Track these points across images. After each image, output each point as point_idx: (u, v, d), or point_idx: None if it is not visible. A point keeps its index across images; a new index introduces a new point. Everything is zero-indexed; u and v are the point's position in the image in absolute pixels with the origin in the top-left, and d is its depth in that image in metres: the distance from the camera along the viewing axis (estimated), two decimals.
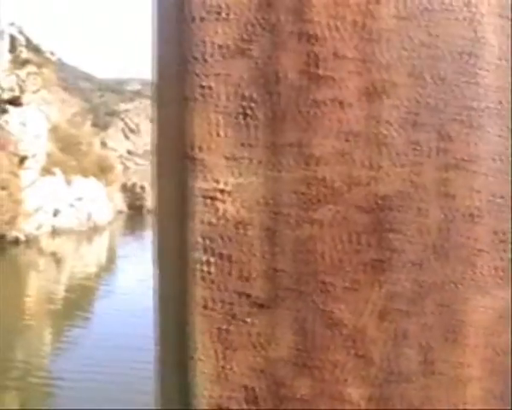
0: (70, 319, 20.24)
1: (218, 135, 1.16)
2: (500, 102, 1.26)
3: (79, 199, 38.28)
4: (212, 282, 1.16)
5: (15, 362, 16.05)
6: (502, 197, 1.26)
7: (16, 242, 32.80)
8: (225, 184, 1.17)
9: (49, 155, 37.55)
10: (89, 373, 14.54)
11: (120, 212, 44.09)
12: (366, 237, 1.20)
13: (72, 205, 37.83)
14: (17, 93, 38.16)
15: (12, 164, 34.12)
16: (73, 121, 45.06)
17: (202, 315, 1.16)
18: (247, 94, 1.17)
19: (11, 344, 17.22)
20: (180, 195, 1.20)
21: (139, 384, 13.48)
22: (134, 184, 47.30)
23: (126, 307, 20.94)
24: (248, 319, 1.17)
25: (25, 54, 40.64)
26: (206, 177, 1.16)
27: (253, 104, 1.17)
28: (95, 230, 38.04)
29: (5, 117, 36.30)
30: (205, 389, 1.17)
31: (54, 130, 39.47)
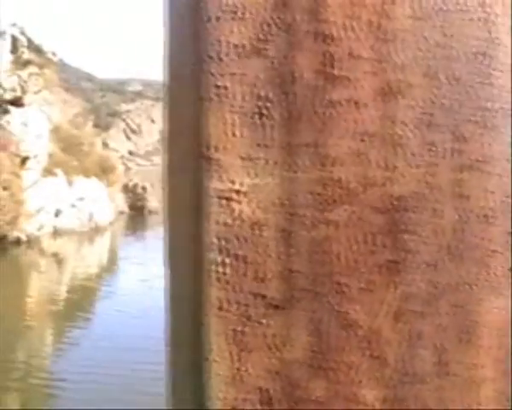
0: (71, 320, 20.24)
1: (234, 135, 1.16)
2: None
3: (81, 199, 38.26)
4: (228, 283, 1.16)
5: (16, 363, 16.04)
6: None
7: (18, 242, 32.78)
8: (241, 184, 1.16)
9: (50, 156, 37.53)
10: (90, 374, 14.53)
11: (122, 212, 44.04)
12: (381, 238, 1.19)
13: (73, 205, 37.81)
14: (19, 94, 38.16)
15: (14, 164, 34.11)
16: (75, 122, 45.06)
17: (217, 316, 1.16)
18: (262, 94, 1.16)
19: (12, 345, 17.21)
20: (194, 195, 1.20)
21: (139, 385, 13.49)
22: (135, 185, 47.24)
23: (127, 307, 20.93)
24: (264, 321, 1.16)
25: (26, 54, 40.64)
26: (222, 177, 1.16)
27: (268, 104, 1.16)
28: (96, 230, 38.01)
29: (7, 117, 36.29)
30: (220, 390, 1.16)
31: (55, 130, 39.46)
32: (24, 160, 35.20)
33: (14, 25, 41.59)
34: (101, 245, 36.43)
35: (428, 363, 1.22)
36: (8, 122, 36.10)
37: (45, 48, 43.29)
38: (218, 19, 1.15)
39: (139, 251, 32.16)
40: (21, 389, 14.63)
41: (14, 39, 40.67)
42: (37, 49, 42.19)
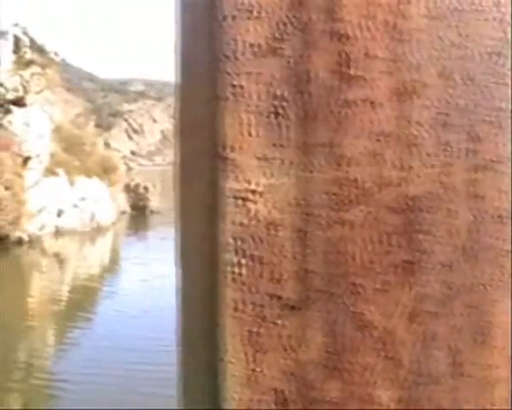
0: (73, 320, 20.24)
1: (250, 135, 1.15)
2: None
3: (83, 199, 38.28)
4: (243, 284, 1.15)
5: (18, 363, 16.05)
6: None
7: (19, 242, 32.80)
8: (257, 184, 1.16)
9: (52, 156, 37.55)
10: (90, 375, 14.54)
11: (123, 212, 44.07)
12: (396, 238, 1.19)
13: (75, 205, 37.84)
14: (21, 94, 38.19)
15: (15, 164, 34.14)
16: (77, 122, 45.06)
17: (233, 317, 1.15)
18: (278, 93, 1.16)
19: (14, 344, 17.22)
20: (208, 195, 1.20)
21: (140, 386, 13.50)
22: (137, 185, 47.27)
23: (129, 308, 20.94)
24: (279, 321, 1.16)
25: (29, 54, 40.68)
26: (238, 177, 1.15)
27: (284, 103, 1.16)
28: (98, 230, 38.03)
29: (9, 117, 36.32)
30: (235, 391, 1.16)
31: (57, 130, 39.47)
32: (26, 160, 35.23)
33: (16, 25, 41.65)
34: (103, 245, 36.45)
35: (443, 364, 1.22)
36: (10, 122, 36.14)
37: (47, 48, 43.36)
38: (233, 18, 1.15)
39: (141, 251, 32.19)
40: (23, 389, 14.63)
41: (17, 39, 40.72)
42: (39, 49, 42.24)
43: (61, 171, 37.69)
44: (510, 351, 1.25)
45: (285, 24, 1.16)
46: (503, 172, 1.24)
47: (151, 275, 25.48)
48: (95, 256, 32.97)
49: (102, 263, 31.04)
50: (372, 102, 1.18)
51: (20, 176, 34.11)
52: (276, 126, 1.16)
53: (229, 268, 1.15)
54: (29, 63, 40.03)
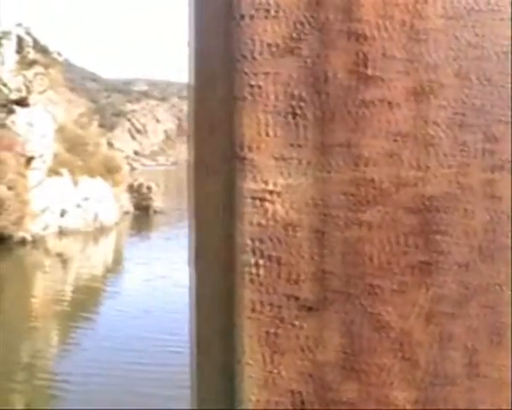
0: (75, 321, 20.27)
1: (268, 135, 1.15)
2: None
3: (86, 199, 38.33)
4: (261, 284, 1.15)
5: (21, 363, 16.07)
6: None
7: (23, 242, 32.85)
8: (274, 184, 1.15)
9: (55, 156, 37.61)
10: (93, 376, 14.56)
11: (127, 212, 44.12)
12: (413, 239, 1.19)
13: (78, 205, 37.88)
14: (24, 94, 38.25)
15: (19, 164, 34.18)
16: (80, 122, 45.12)
17: (250, 318, 1.15)
18: (296, 93, 1.15)
19: (17, 345, 17.24)
20: (225, 195, 1.19)
21: (142, 387, 13.52)
22: (140, 185, 47.32)
23: (132, 308, 20.97)
24: (296, 322, 1.15)
25: (32, 54, 40.75)
26: (256, 177, 1.15)
27: (302, 103, 1.15)
28: (101, 230, 38.07)
29: (12, 117, 36.38)
30: (252, 393, 1.15)
31: (60, 130, 39.54)
32: (29, 160, 35.29)
33: (19, 25, 41.72)
34: (107, 245, 36.50)
35: (459, 365, 1.21)
36: (14, 122, 36.20)
37: (51, 48, 43.43)
38: (251, 17, 1.14)
39: (144, 251, 32.21)
40: (25, 389, 14.66)
41: (20, 39, 40.80)
42: (42, 49, 42.32)
43: (64, 171, 37.73)
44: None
45: (302, 23, 1.15)
46: None
47: (154, 275, 25.51)
48: (98, 256, 33.02)
49: (106, 263, 31.09)
50: (389, 103, 1.18)
51: (23, 176, 34.16)
52: (294, 126, 1.16)
53: (246, 269, 1.15)
54: (32, 63, 40.11)
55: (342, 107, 1.16)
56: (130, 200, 45.67)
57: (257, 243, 1.15)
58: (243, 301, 1.15)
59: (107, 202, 40.02)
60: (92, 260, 31.67)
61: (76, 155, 39.53)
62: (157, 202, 47.26)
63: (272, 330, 1.15)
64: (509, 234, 1.23)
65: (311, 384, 1.16)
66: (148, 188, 47.24)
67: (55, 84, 41.92)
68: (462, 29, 1.21)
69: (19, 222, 32.77)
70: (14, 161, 33.66)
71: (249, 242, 1.15)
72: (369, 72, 1.17)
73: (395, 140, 1.18)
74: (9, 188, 32.53)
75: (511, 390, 1.24)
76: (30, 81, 38.99)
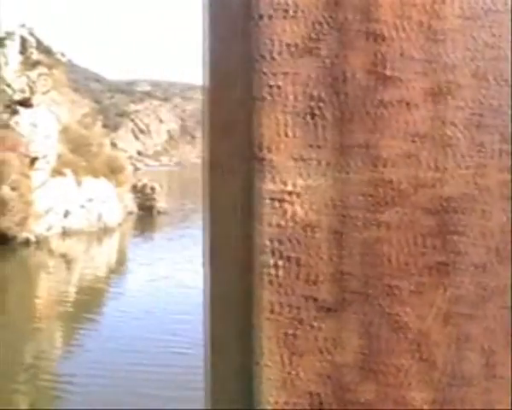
0: (79, 321, 20.26)
1: (287, 135, 1.15)
2: None
3: (90, 200, 38.33)
4: (280, 286, 1.15)
5: (24, 364, 16.07)
6: None
7: (27, 243, 32.85)
8: (293, 185, 1.15)
9: (59, 156, 37.61)
10: (97, 377, 14.55)
11: (130, 213, 44.11)
12: (431, 240, 1.18)
13: (82, 206, 37.88)
14: (27, 94, 38.27)
15: (23, 165, 34.19)
16: (84, 122, 45.12)
17: (269, 320, 1.15)
18: (315, 94, 1.15)
19: (20, 345, 17.24)
20: (242, 196, 1.19)
21: (145, 388, 13.51)
22: (144, 185, 47.31)
23: (135, 309, 20.96)
24: (315, 324, 1.15)
25: (35, 55, 40.79)
26: (275, 178, 1.14)
27: (321, 104, 1.15)
28: (105, 231, 38.06)
29: (16, 118, 36.39)
30: (270, 395, 1.15)
31: (64, 131, 39.53)
32: (33, 160, 35.30)
33: (23, 26, 41.75)
34: (110, 246, 36.48)
35: (476, 365, 1.21)
36: (17, 123, 36.21)
37: (54, 48, 43.46)
38: (270, 17, 1.14)
39: (148, 252, 32.21)
40: (29, 390, 14.66)
41: (23, 40, 40.83)
42: (45, 50, 42.36)
43: (68, 171, 37.74)
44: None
45: (321, 24, 1.15)
46: None
47: (157, 276, 25.50)
48: (102, 257, 33.00)
49: (109, 264, 31.07)
50: (407, 103, 1.17)
51: (27, 177, 34.17)
52: (313, 127, 1.15)
53: (265, 270, 1.15)
54: (36, 64, 40.14)
55: (361, 107, 1.16)
56: (134, 200, 45.66)
57: (276, 244, 1.14)
58: (262, 302, 1.15)
59: (111, 203, 40.01)
60: (96, 260, 31.66)
61: (80, 156, 39.54)
62: (160, 202, 47.25)
63: (291, 332, 1.15)
64: None
65: (329, 386, 1.15)
66: (152, 188, 47.24)
67: (59, 84, 41.95)
68: (480, 29, 1.21)
69: (22, 223, 32.78)
70: (17, 161, 33.67)
71: (268, 243, 1.14)
72: (388, 72, 1.17)
73: (413, 141, 1.17)
74: (13, 189, 32.55)
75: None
76: (33, 82, 39.02)
